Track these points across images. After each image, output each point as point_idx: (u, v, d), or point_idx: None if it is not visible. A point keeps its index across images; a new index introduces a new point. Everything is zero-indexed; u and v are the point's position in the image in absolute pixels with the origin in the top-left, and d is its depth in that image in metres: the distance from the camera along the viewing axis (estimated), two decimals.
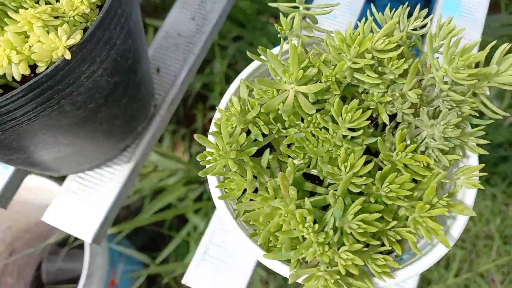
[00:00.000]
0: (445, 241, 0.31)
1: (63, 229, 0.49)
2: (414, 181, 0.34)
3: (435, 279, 1.39)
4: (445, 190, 0.36)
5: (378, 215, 0.29)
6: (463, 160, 0.35)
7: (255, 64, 0.38)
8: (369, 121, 0.36)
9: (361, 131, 0.31)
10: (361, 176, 0.31)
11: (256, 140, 0.35)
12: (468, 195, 0.33)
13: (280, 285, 1.34)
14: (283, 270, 0.32)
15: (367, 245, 0.32)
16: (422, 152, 0.32)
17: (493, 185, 1.46)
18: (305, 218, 0.29)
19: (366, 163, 0.32)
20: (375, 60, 0.32)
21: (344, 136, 0.33)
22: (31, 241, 1.20)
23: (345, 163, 0.31)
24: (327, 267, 0.29)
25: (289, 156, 0.34)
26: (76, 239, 1.16)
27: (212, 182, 0.34)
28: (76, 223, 0.49)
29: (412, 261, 0.32)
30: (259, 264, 0.46)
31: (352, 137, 0.33)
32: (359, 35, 0.31)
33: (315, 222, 0.30)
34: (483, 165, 0.33)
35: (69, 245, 1.15)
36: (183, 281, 0.47)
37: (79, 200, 0.50)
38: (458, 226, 0.33)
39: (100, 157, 0.49)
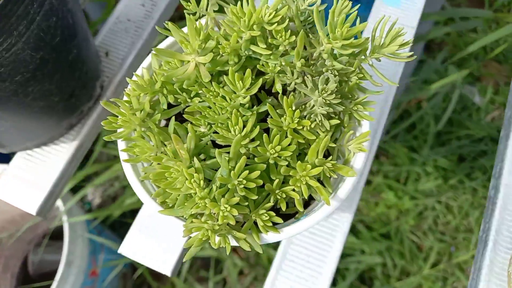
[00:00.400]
0: (326, 199, 0.33)
1: (9, 202, 0.52)
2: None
3: (414, 271, 1.41)
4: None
5: (258, 173, 0.32)
6: (358, 129, 0.38)
7: (171, 39, 0.41)
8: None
9: (248, 98, 0.33)
10: (252, 139, 0.34)
11: (166, 109, 0.37)
12: (357, 160, 0.36)
13: (258, 274, 1.36)
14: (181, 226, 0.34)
15: (259, 205, 0.34)
16: (310, 118, 0.34)
17: (473, 178, 1.48)
18: (193, 175, 0.32)
19: (267, 131, 0.35)
20: (267, 32, 0.35)
21: (242, 104, 0.35)
22: (17, 232, 1.23)
23: (235, 127, 0.33)
24: (213, 220, 0.32)
25: (193, 124, 0.36)
26: (55, 229, 1.18)
27: (121, 146, 0.37)
28: (21, 196, 0.52)
29: (302, 219, 0.35)
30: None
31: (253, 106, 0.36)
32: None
33: (209, 181, 0.33)
34: (370, 131, 0.36)
35: (47, 236, 1.18)
36: (119, 251, 0.49)
37: (26, 176, 0.53)
38: (345, 188, 0.35)
39: (45, 134, 0.52)
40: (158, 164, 0.35)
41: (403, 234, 1.45)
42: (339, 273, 1.39)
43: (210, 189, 0.31)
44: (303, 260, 0.48)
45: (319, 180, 0.36)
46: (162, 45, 0.40)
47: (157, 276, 1.34)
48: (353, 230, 1.45)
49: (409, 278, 1.40)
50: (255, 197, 0.32)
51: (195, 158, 0.32)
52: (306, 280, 0.48)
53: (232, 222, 0.30)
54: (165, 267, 0.48)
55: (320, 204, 0.37)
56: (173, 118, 0.37)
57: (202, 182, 0.31)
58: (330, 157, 0.34)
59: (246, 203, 0.32)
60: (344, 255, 1.40)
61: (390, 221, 1.46)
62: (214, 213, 0.31)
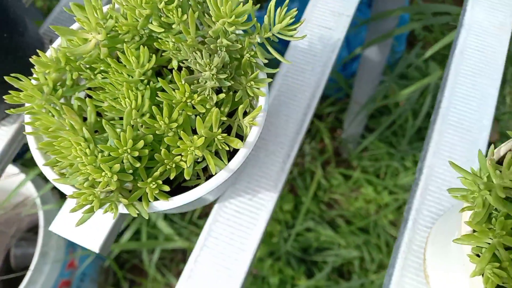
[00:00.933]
0: (212, 167, 0.35)
1: None
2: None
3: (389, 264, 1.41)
4: None
5: (142, 142, 0.33)
6: (256, 104, 0.39)
7: None
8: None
9: (139, 73, 0.35)
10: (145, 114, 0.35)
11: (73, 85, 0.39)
12: (251, 134, 0.37)
13: None
14: None
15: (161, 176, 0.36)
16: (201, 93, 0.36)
17: None
18: (81, 144, 0.33)
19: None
20: (161, 11, 0.36)
21: (142, 80, 0.37)
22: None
23: (126, 100, 0.35)
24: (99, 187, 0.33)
25: (95, 99, 0.38)
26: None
27: (27, 119, 0.39)
28: None
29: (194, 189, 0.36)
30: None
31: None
32: None
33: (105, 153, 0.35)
34: (261, 106, 0.37)
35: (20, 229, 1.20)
36: (49, 228, 0.51)
37: None
38: (236, 159, 0.37)
39: None
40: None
41: (381, 228, 1.46)
42: (317, 266, 1.40)
43: (94, 156, 0.33)
44: (227, 238, 0.50)
45: (216, 153, 0.38)
46: (75, 26, 0.42)
47: (139, 271, 1.36)
48: (332, 224, 1.46)
49: (385, 271, 1.40)
50: (138, 165, 0.33)
51: (83, 128, 0.34)
52: (229, 256, 0.49)
53: (112, 188, 0.32)
54: (93, 244, 0.50)
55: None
56: (77, 93, 0.38)
57: (88, 150, 0.33)
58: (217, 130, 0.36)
59: (131, 171, 0.34)
60: (322, 249, 1.41)
61: (369, 215, 1.47)
62: (100, 180, 0.33)
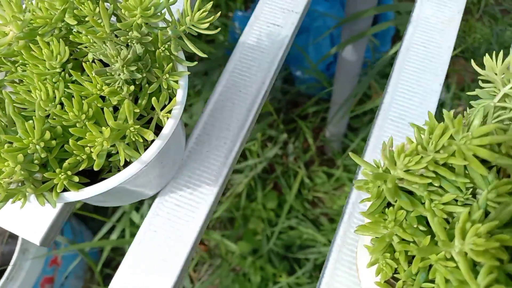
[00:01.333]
0: (122, 158, 0.35)
1: None
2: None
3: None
4: None
5: (49, 134, 0.34)
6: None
7: None
8: None
9: (48, 65, 0.36)
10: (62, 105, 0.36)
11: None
12: (166, 126, 0.38)
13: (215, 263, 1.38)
14: None
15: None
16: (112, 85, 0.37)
17: None
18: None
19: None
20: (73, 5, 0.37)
21: (60, 73, 0.38)
22: None
23: (36, 92, 0.35)
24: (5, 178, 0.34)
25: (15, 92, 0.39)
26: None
27: None
28: None
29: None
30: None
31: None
32: None
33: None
34: (175, 99, 0.38)
35: None
36: None
37: None
38: (149, 151, 0.37)
39: None
40: None
41: None
42: (299, 263, 1.40)
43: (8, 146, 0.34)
44: (167, 231, 0.50)
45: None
46: None
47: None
48: (316, 222, 1.46)
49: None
50: (44, 155, 0.34)
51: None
52: (167, 249, 0.50)
53: (16, 178, 0.33)
54: (34, 236, 0.51)
55: None
56: None
57: (2, 136, 0.34)
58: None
59: (38, 162, 0.34)
60: (305, 247, 1.41)
61: None
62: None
